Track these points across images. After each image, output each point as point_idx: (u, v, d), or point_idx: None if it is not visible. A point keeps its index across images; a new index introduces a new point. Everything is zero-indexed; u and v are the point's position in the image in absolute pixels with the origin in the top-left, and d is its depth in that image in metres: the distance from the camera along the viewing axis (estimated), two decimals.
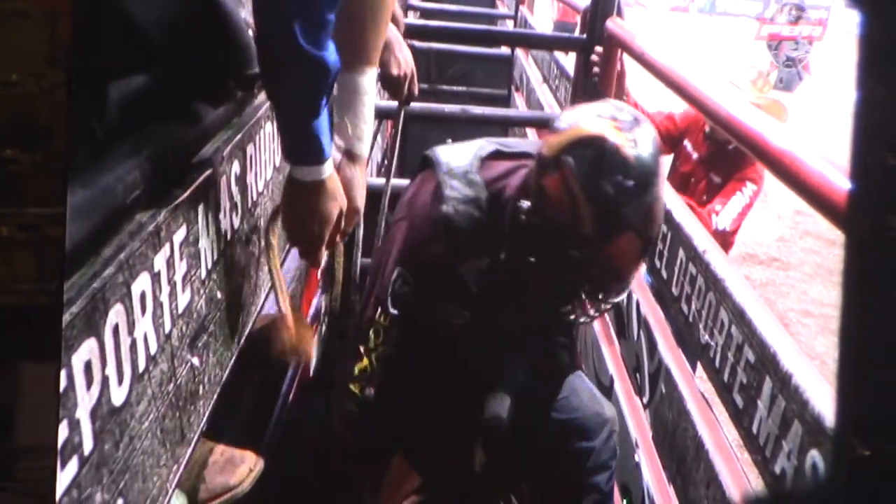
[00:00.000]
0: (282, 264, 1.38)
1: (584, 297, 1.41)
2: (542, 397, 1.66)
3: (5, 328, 0.59)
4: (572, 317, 1.47)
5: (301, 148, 1.15)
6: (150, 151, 0.90)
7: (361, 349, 1.48)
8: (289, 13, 1.00)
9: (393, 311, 1.46)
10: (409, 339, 1.48)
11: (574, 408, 1.65)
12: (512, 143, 1.62)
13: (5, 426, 0.59)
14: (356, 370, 1.48)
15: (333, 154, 1.20)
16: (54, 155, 0.58)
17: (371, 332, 1.48)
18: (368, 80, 1.29)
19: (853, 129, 0.34)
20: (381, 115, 2.81)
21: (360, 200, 1.32)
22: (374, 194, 2.30)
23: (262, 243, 1.26)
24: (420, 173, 1.59)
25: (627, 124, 1.31)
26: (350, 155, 1.29)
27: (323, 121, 1.11)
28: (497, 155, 1.53)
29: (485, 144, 1.55)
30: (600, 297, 1.41)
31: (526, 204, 1.38)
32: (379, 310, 1.48)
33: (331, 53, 1.05)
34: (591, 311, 1.46)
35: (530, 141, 2.69)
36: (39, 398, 0.57)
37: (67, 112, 0.58)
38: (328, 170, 1.17)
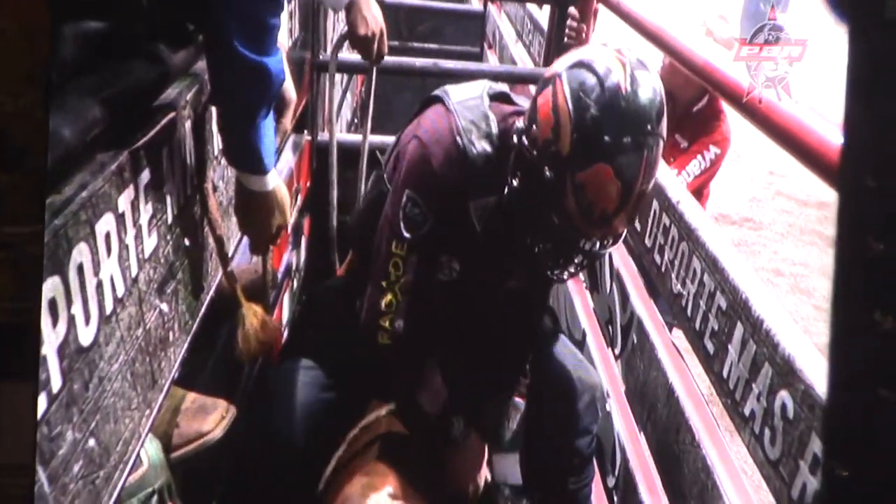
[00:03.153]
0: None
1: (558, 243, 1.37)
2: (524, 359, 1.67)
3: None
4: (549, 272, 1.44)
5: (240, 156, 1.14)
6: (110, 91, 0.87)
7: (384, 284, 1.46)
8: (223, 13, 0.97)
9: (406, 234, 1.44)
10: (427, 264, 1.48)
11: (557, 373, 1.65)
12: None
13: None
14: (383, 305, 1.46)
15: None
16: (32, 174, 0.56)
17: (390, 265, 1.46)
18: None
19: (841, 149, 0.35)
20: (352, 69, 2.76)
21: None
22: (347, 151, 2.28)
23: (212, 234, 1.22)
24: (423, 109, 1.54)
25: (632, 62, 1.28)
26: None
27: (262, 131, 1.08)
28: (502, 97, 1.51)
29: (491, 83, 1.54)
30: (572, 244, 1.36)
31: (520, 124, 1.38)
32: (394, 242, 1.46)
33: (274, 60, 1.02)
34: (567, 265, 1.42)
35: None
36: (16, 417, 0.56)
37: (45, 130, 0.56)
38: (273, 181, 1.16)
